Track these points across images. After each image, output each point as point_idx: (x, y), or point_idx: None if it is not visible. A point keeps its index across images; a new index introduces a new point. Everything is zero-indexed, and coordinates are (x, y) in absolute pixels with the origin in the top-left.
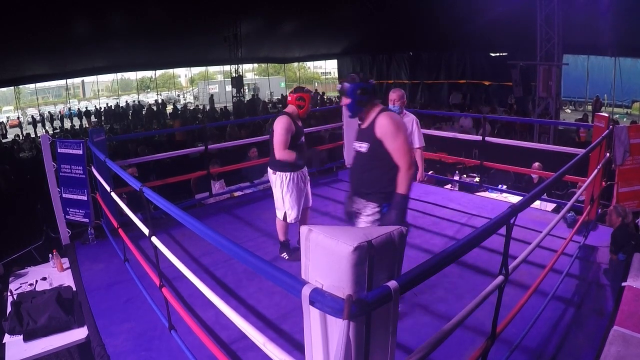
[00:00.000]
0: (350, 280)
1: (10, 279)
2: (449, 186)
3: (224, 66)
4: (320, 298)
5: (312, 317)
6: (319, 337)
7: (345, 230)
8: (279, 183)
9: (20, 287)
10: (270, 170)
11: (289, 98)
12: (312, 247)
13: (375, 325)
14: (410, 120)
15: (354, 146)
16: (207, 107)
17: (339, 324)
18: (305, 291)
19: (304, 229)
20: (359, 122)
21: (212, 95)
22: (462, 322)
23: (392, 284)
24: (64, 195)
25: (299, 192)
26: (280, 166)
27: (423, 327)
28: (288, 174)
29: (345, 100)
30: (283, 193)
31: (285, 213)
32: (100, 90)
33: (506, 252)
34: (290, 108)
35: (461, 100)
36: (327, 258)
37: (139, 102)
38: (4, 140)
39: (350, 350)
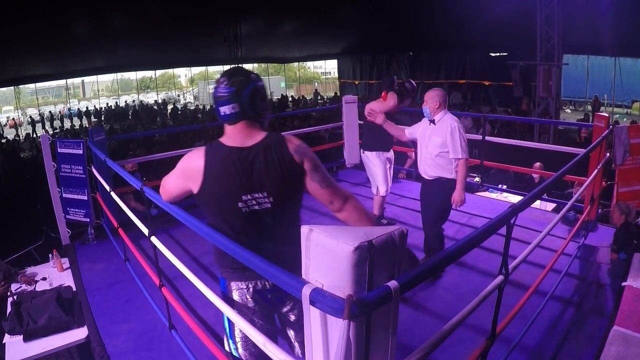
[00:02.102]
0: (350, 280)
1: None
2: None
3: (224, 66)
4: (320, 298)
5: (312, 316)
6: (319, 336)
7: (346, 230)
8: (379, 161)
9: (20, 287)
10: (368, 152)
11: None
12: (312, 247)
13: (376, 325)
14: (444, 125)
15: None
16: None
17: (339, 323)
18: (306, 291)
19: (304, 229)
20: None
21: None
22: (462, 322)
23: (393, 284)
24: (64, 195)
25: (390, 168)
26: (379, 146)
27: (423, 327)
28: (385, 152)
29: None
30: (381, 169)
31: (383, 188)
32: (100, 90)
33: (506, 252)
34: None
35: (461, 100)
36: (327, 258)
37: (140, 102)
38: (2, 141)
39: (350, 350)
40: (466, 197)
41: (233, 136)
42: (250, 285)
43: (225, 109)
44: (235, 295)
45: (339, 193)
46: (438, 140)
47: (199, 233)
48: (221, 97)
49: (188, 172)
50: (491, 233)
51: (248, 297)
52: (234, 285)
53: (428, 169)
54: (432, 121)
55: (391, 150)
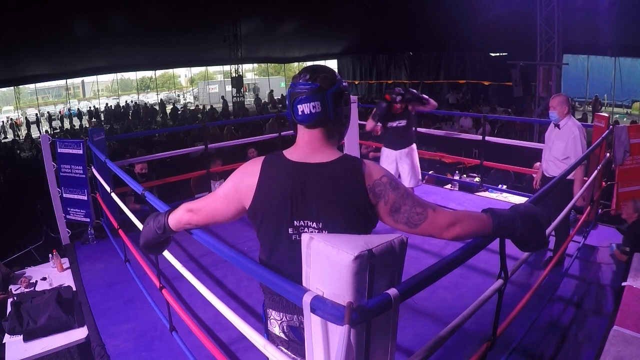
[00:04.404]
0: (350, 288)
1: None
2: (449, 186)
3: (224, 66)
4: (321, 305)
5: (314, 323)
6: (320, 343)
7: (346, 239)
8: (385, 158)
9: (20, 287)
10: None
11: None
12: (313, 255)
13: (376, 332)
14: (567, 131)
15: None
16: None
17: (339, 330)
18: (307, 298)
19: (305, 237)
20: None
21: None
22: (461, 325)
23: (392, 291)
24: (64, 195)
25: (399, 167)
26: (386, 142)
27: (422, 328)
28: (392, 150)
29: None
30: (386, 166)
31: None
32: (100, 90)
33: (504, 255)
34: None
35: (458, 100)
36: (328, 266)
37: (136, 103)
38: (4, 141)
39: (350, 357)
40: (466, 197)
41: (302, 147)
42: (285, 318)
43: (304, 108)
44: (271, 324)
45: (437, 224)
46: (562, 144)
47: (198, 240)
48: (301, 93)
49: (240, 190)
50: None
51: (282, 330)
52: (269, 313)
53: (550, 168)
54: (557, 125)
55: (404, 149)
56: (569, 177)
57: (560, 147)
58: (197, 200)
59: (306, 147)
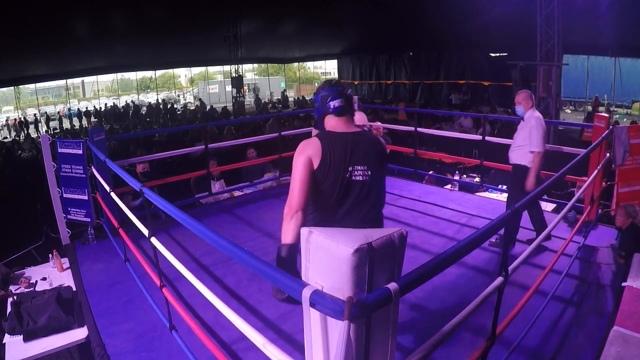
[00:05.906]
0: (350, 282)
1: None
2: (449, 186)
3: (224, 66)
4: (320, 300)
5: (313, 318)
6: (319, 338)
7: (345, 232)
8: None
9: (20, 287)
10: None
11: None
12: (312, 249)
13: (376, 327)
14: (529, 122)
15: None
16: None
17: (339, 325)
18: (306, 293)
19: (304, 231)
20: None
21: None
22: (462, 322)
23: (392, 285)
24: (64, 195)
25: None
26: None
27: (423, 327)
28: None
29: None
30: None
31: None
32: (100, 90)
33: (505, 253)
34: None
35: (461, 101)
36: (327, 260)
37: (134, 102)
38: (4, 141)
39: (350, 352)
40: (466, 197)
41: (337, 126)
42: None
43: (335, 103)
44: None
45: None
46: (523, 133)
47: (198, 234)
48: (331, 94)
49: (311, 154)
50: (492, 234)
51: None
52: None
53: (512, 156)
54: (522, 118)
55: None
56: (525, 164)
57: (523, 136)
58: (290, 201)
59: (340, 127)
